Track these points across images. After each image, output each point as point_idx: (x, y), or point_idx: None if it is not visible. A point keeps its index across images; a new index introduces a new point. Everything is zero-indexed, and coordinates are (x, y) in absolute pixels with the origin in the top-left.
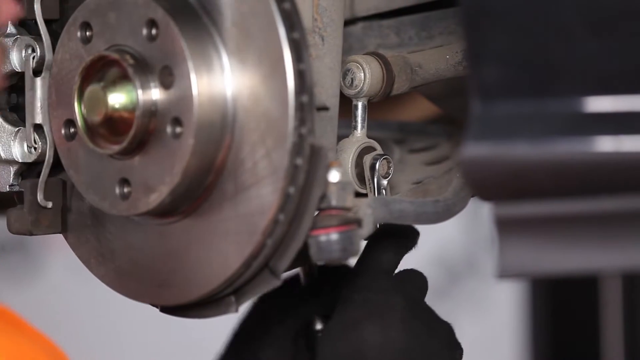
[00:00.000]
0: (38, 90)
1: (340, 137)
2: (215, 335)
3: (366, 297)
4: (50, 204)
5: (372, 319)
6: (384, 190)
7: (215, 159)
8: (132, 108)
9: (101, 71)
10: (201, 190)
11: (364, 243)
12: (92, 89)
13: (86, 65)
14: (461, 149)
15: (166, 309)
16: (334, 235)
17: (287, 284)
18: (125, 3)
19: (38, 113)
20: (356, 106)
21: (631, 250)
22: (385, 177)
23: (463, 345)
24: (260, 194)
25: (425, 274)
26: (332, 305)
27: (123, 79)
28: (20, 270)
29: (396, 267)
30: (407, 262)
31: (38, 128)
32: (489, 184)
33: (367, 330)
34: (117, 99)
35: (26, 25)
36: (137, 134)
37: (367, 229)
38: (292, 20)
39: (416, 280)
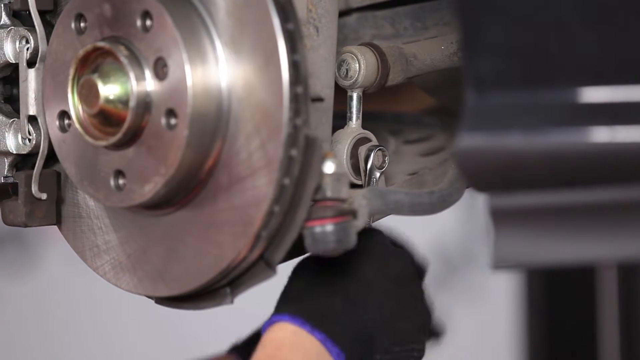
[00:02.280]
0: (32, 82)
1: (335, 128)
2: (212, 329)
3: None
4: (44, 196)
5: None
6: (374, 180)
7: (210, 150)
8: (126, 99)
9: (95, 62)
10: (196, 181)
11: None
12: (86, 80)
13: (80, 56)
14: (456, 139)
15: (161, 301)
16: (329, 227)
17: None
18: None
19: (32, 104)
20: (351, 97)
21: (627, 240)
22: (380, 168)
23: (459, 335)
24: (255, 185)
25: None
26: None
27: (117, 70)
28: (17, 263)
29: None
30: None
31: (32, 119)
32: (484, 175)
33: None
34: (112, 90)
35: (20, 16)
36: (132, 126)
37: (362, 220)
38: (286, 11)
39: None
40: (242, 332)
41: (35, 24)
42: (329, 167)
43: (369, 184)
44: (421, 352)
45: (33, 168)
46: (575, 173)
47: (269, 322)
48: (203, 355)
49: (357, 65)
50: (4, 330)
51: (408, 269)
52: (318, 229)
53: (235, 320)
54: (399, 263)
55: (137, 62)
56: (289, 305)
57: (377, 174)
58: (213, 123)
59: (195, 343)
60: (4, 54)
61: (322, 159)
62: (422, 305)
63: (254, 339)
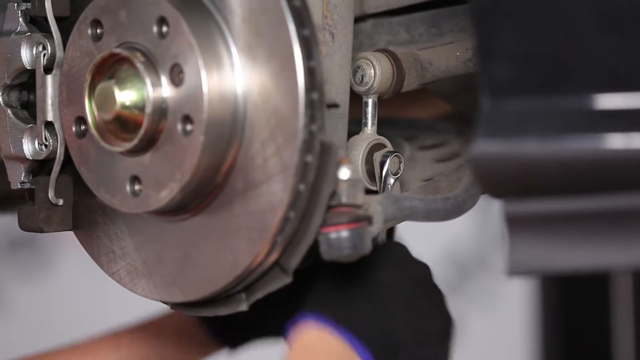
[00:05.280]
0: (49, 88)
1: (350, 134)
2: None
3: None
4: (61, 201)
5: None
6: (388, 186)
7: (226, 156)
8: (142, 105)
9: (112, 69)
10: (211, 187)
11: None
12: (103, 86)
13: (97, 62)
14: (471, 146)
15: (177, 306)
16: (344, 233)
17: None
18: (136, 0)
19: (49, 110)
20: (366, 103)
21: None
22: (395, 174)
23: (473, 341)
24: (271, 191)
25: (436, 270)
26: None
27: (133, 76)
28: (31, 268)
29: None
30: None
31: (49, 125)
32: (499, 181)
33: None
34: (128, 96)
35: (37, 22)
36: (148, 132)
37: (377, 226)
38: (302, 17)
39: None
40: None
41: (52, 30)
42: (344, 173)
43: (384, 190)
44: (445, 357)
45: (49, 174)
46: (591, 179)
47: (294, 322)
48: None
49: (373, 71)
50: (16, 335)
51: (429, 275)
52: (333, 235)
53: None
54: (420, 270)
55: (153, 68)
56: (315, 306)
57: (392, 180)
58: (229, 129)
59: None
60: (21, 60)
61: (338, 165)
62: (445, 311)
63: None
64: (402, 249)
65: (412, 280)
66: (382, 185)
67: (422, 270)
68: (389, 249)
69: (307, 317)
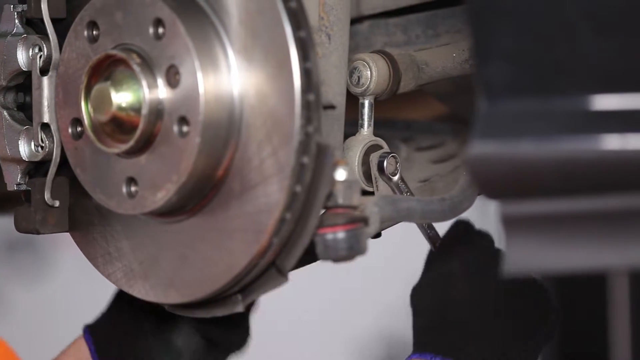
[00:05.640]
0: (45, 89)
1: (346, 136)
2: None
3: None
4: (57, 203)
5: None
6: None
7: (222, 158)
8: (138, 107)
9: (108, 70)
10: (208, 188)
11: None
12: (99, 87)
13: (93, 64)
14: (467, 146)
15: (173, 308)
16: (341, 234)
17: None
18: (132, 2)
19: (45, 112)
20: (363, 104)
21: (638, 247)
22: (392, 175)
23: None
24: (267, 193)
25: None
26: None
27: (130, 78)
28: (30, 269)
29: None
30: (416, 257)
31: (45, 127)
32: (495, 182)
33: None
34: (124, 98)
35: (33, 24)
36: (144, 133)
37: (373, 227)
38: (298, 19)
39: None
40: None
41: (49, 31)
42: (340, 175)
43: (399, 192)
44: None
45: (45, 175)
46: (587, 180)
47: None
48: None
49: (369, 72)
50: (15, 336)
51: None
52: (329, 236)
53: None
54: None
55: (149, 69)
56: (430, 343)
57: (396, 180)
58: (225, 130)
59: None
60: (17, 61)
61: (334, 166)
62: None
63: (109, 318)
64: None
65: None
66: (378, 186)
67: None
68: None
69: (423, 356)
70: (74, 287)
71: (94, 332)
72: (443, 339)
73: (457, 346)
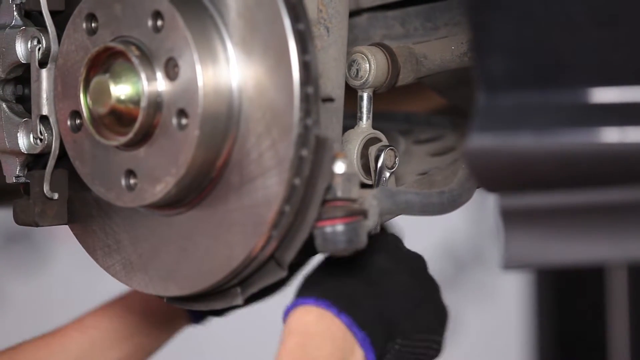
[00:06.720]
0: (44, 82)
1: (345, 128)
2: (222, 328)
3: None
4: (56, 195)
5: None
6: (384, 179)
7: (221, 150)
8: (137, 99)
9: (107, 62)
10: (207, 181)
11: None
12: (98, 80)
13: (92, 56)
14: (466, 140)
15: (172, 300)
16: (340, 227)
17: None
18: None
19: (44, 104)
20: (361, 97)
21: (636, 240)
22: (390, 168)
23: (469, 334)
24: (266, 185)
25: (432, 264)
26: None
27: (128, 70)
28: (28, 262)
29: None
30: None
31: (44, 119)
32: (494, 175)
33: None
34: (123, 90)
35: (32, 16)
36: (143, 126)
37: (372, 220)
38: (297, 12)
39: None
40: (246, 334)
41: (47, 24)
42: (339, 167)
43: (379, 184)
44: (440, 345)
45: (44, 168)
46: (586, 173)
47: (293, 305)
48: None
49: (368, 65)
50: (13, 329)
51: (424, 266)
52: (328, 229)
53: (242, 323)
54: (415, 260)
55: (148, 62)
56: (313, 289)
57: (387, 174)
58: (224, 123)
59: (203, 343)
60: (15, 54)
61: (333, 159)
62: (440, 301)
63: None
64: (397, 240)
65: (409, 270)
66: (377, 179)
67: (417, 260)
68: (384, 239)
69: (306, 300)
70: (71, 280)
71: None
72: (341, 292)
73: (354, 303)
